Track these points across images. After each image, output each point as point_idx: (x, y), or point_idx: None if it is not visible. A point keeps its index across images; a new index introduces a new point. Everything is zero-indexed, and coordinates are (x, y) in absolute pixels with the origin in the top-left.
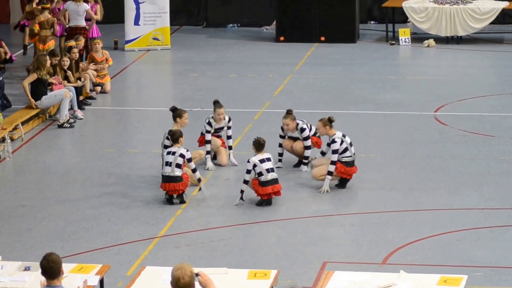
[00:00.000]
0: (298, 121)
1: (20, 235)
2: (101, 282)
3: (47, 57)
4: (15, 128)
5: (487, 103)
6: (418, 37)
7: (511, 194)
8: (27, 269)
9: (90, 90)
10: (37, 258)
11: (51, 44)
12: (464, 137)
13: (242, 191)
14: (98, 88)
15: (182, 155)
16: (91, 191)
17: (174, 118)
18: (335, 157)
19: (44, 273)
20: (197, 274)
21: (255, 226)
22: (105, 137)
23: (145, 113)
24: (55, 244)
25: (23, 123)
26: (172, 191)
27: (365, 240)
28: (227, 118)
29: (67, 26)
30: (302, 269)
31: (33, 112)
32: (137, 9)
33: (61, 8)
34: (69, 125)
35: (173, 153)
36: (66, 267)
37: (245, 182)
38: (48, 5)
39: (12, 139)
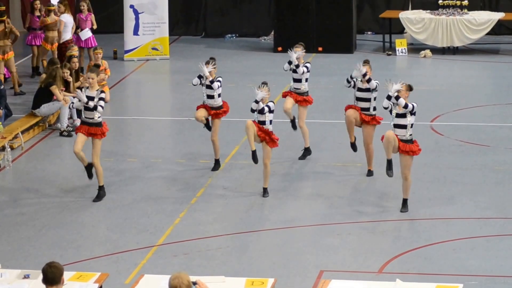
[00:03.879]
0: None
1: (19, 243)
2: None
3: (59, 70)
4: (15, 137)
5: (483, 113)
6: (415, 48)
7: (506, 204)
8: (26, 277)
9: None
10: (36, 266)
11: None
12: (460, 147)
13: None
14: None
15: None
16: (90, 199)
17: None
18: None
19: (44, 279)
20: (194, 283)
21: (252, 234)
22: (104, 146)
23: (144, 123)
24: (54, 252)
25: (23, 132)
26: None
27: (361, 249)
28: None
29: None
30: (299, 278)
31: (33, 121)
32: (136, 19)
33: (82, 16)
34: (67, 134)
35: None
36: (65, 275)
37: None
38: (5, 18)
39: (12, 148)
